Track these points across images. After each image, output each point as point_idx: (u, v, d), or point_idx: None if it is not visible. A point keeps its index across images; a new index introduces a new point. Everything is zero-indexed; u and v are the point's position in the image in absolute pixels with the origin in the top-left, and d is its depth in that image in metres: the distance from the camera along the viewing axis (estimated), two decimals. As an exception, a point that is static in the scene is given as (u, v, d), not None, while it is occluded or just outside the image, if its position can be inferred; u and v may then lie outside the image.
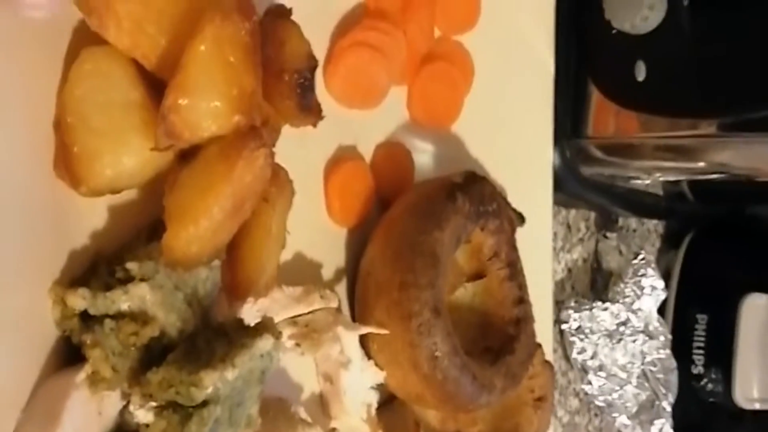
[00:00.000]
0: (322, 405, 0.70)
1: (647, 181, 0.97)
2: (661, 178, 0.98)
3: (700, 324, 1.03)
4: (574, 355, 0.97)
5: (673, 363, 1.01)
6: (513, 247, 0.78)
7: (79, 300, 0.52)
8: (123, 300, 0.52)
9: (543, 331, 0.81)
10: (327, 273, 0.71)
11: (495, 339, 0.76)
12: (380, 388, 0.71)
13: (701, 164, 0.86)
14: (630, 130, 0.86)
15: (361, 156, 0.73)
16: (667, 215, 1.05)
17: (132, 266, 0.53)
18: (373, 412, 0.70)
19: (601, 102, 0.84)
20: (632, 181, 0.97)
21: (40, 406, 0.50)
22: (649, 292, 0.98)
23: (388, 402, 0.73)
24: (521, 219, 0.80)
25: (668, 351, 1.00)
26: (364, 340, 0.70)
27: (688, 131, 0.81)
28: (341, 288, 0.72)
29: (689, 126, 0.81)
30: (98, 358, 0.52)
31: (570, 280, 0.98)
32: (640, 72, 0.78)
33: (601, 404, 0.99)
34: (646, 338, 0.99)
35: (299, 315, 0.67)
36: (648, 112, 0.82)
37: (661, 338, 1.00)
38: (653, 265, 1.00)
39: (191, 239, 0.53)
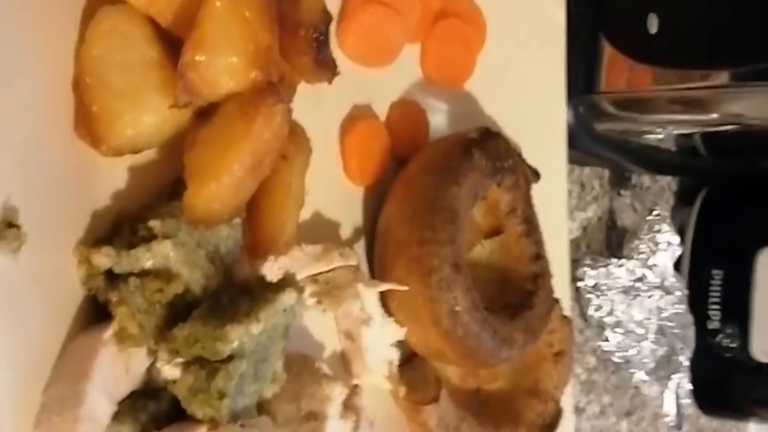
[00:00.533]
0: (343, 363, 0.71)
1: (660, 136, 0.97)
2: (674, 132, 0.98)
3: (715, 279, 1.03)
4: (590, 312, 0.97)
5: (690, 318, 1.01)
6: (529, 203, 0.78)
7: (104, 258, 0.52)
8: (147, 258, 0.53)
9: (560, 288, 0.81)
10: (345, 232, 0.72)
11: (513, 295, 0.76)
12: (401, 345, 0.71)
13: (715, 116, 0.86)
14: (643, 84, 0.85)
15: (376, 115, 0.73)
16: (681, 171, 1.05)
17: (154, 224, 0.53)
18: (395, 369, 0.71)
19: (614, 56, 0.83)
20: (645, 137, 0.96)
21: (69, 363, 0.51)
22: (664, 248, 0.98)
23: (409, 359, 0.74)
24: (536, 175, 0.80)
25: (685, 306, 1.00)
26: (383, 298, 0.70)
27: (701, 83, 0.80)
28: (359, 247, 0.73)
29: (702, 78, 0.80)
30: (124, 315, 0.52)
31: (585, 239, 0.98)
32: (653, 25, 0.78)
33: (619, 360, 0.99)
34: (663, 294, 0.99)
35: (319, 273, 0.67)
36: (661, 64, 0.81)
37: (678, 293, 1.00)
38: (668, 220, 0.99)
39: (212, 196, 0.53)
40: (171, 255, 0.54)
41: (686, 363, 1.02)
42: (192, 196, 0.53)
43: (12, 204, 0.48)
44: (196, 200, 0.53)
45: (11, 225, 0.48)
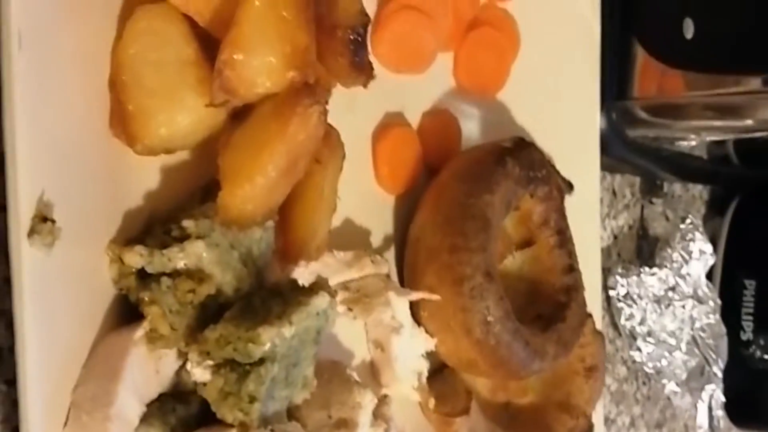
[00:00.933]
0: (372, 373, 0.70)
1: (693, 143, 0.95)
2: (707, 139, 0.97)
3: (748, 290, 1.01)
4: (622, 321, 0.95)
5: (723, 328, 0.99)
6: (562, 214, 0.77)
7: (137, 257, 0.52)
8: (179, 257, 0.52)
9: (591, 297, 0.80)
10: (375, 240, 0.71)
11: (545, 307, 0.75)
12: (430, 357, 0.70)
13: (749, 122, 0.85)
14: (676, 90, 0.85)
15: (409, 123, 0.73)
16: (713, 179, 1.03)
17: (188, 224, 0.53)
18: (424, 379, 0.70)
19: (647, 62, 0.82)
20: (677, 143, 0.95)
21: (100, 362, 0.50)
22: (697, 257, 0.97)
23: (438, 371, 0.73)
24: (570, 187, 0.79)
25: (718, 316, 0.99)
26: (414, 308, 0.69)
27: (735, 88, 0.79)
28: (389, 255, 0.72)
29: (737, 83, 0.79)
30: (156, 316, 0.52)
31: (616, 247, 0.97)
32: (689, 30, 0.77)
33: (650, 371, 0.98)
34: (695, 303, 0.97)
35: (350, 280, 0.66)
36: (696, 70, 0.80)
37: (711, 303, 0.99)
38: (701, 229, 0.98)
39: (247, 197, 0.53)
40: (204, 255, 0.53)
41: (719, 374, 1.00)
42: (226, 197, 0.52)
43: (47, 199, 0.48)
44: (230, 201, 0.53)
45: (46, 219, 0.47)
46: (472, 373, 0.73)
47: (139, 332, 0.51)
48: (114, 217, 0.53)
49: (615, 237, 0.96)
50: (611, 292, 0.95)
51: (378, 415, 0.65)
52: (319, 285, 0.57)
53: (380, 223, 0.71)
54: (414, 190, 0.72)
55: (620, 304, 0.95)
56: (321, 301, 0.55)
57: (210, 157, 0.55)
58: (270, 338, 0.52)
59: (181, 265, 0.53)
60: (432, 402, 0.70)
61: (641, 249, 0.99)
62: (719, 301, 0.99)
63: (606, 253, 0.95)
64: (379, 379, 0.70)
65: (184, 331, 0.53)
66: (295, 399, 0.57)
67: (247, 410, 0.52)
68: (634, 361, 0.97)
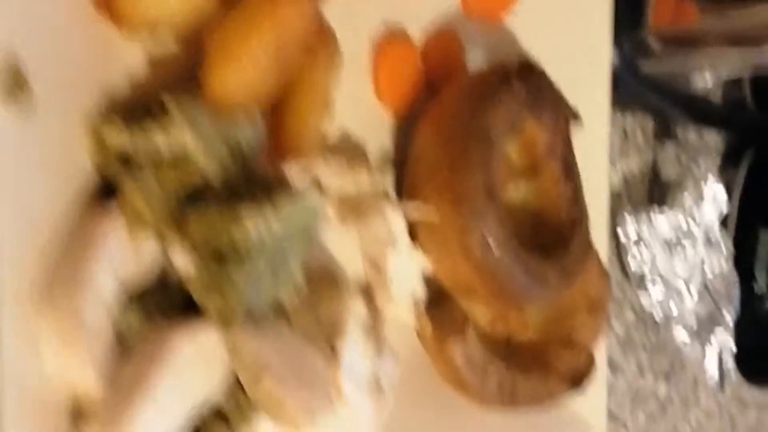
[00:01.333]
0: (368, 294, 0.68)
1: (708, 83, 0.92)
2: (723, 76, 0.94)
3: (763, 241, 0.98)
4: (631, 264, 0.92)
5: (735, 275, 0.96)
6: (568, 145, 0.74)
7: (116, 134, 0.50)
8: (160, 137, 0.50)
9: (599, 240, 0.77)
10: (374, 158, 0.69)
11: (549, 237, 0.73)
12: (428, 284, 0.68)
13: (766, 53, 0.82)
14: (692, 19, 0.82)
15: (411, 39, 0.70)
16: (727, 123, 1.00)
17: (169, 101, 0.50)
18: (421, 303, 0.68)
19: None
20: (692, 79, 0.92)
21: (76, 241, 0.48)
22: (710, 201, 0.94)
23: (435, 299, 0.70)
24: (577, 116, 0.76)
25: (730, 263, 0.96)
26: (411, 230, 0.67)
27: (752, 15, 0.77)
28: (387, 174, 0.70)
29: (753, 11, 0.76)
30: (136, 199, 0.50)
31: (626, 190, 0.94)
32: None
33: (659, 317, 0.94)
34: (707, 248, 0.94)
35: (345, 191, 0.64)
36: (712, -2, 0.78)
37: (723, 249, 0.95)
38: (715, 173, 0.95)
39: (232, 77, 0.51)
40: (189, 141, 0.51)
41: (731, 323, 0.96)
42: (211, 75, 0.51)
43: (25, 66, 0.46)
44: (214, 79, 0.51)
45: (23, 87, 0.45)
46: (470, 298, 0.70)
47: (119, 214, 0.49)
48: (95, 95, 0.51)
49: (625, 180, 0.93)
50: (621, 235, 0.92)
51: (372, 331, 0.62)
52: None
53: (378, 140, 0.69)
54: (414, 110, 0.70)
55: (629, 247, 0.91)
56: (309, 195, 0.53)
57: (197, 46, 0.53)
58: (251, 216, 0.49)
59: (163, 146, 0.50)
60: (428, 325, 0.68)
61: (653, 192, 0.96)
62: (732, 247, 0.96)
63: (616, 196, 0.92)
64: (375, 301, 0.67)
65: (167, 218, 0.51)
66: (283, 298, 0.55)
67: (230, 303, 0.51)
68: (642, 307, 0.94)
